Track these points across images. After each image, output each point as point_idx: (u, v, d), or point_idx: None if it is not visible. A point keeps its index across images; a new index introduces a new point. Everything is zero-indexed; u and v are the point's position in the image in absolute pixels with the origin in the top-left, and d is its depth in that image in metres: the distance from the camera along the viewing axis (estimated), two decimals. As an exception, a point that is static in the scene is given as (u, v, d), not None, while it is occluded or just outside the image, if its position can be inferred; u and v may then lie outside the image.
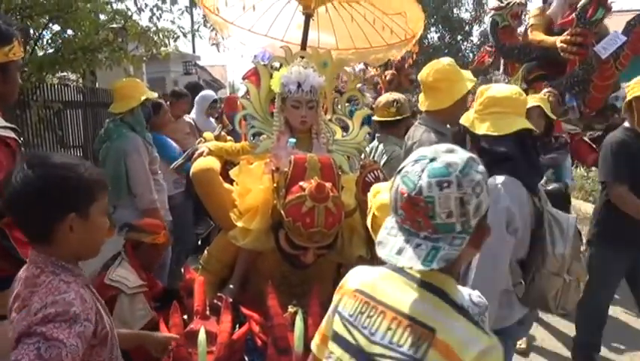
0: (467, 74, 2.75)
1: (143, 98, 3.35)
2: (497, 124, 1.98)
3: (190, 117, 4.81)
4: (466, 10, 19.79)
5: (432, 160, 1.06)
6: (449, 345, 1.00)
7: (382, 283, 1.16)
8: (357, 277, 1.22)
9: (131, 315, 2.36)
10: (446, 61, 2.71)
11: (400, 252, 1.05)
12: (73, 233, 1.24)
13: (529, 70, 5.53)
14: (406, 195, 1.05)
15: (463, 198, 1.02)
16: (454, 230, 1.04)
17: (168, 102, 4.49)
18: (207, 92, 5.30)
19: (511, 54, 5.90)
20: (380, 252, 1.10)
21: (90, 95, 6.07)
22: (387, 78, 6.28)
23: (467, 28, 19.29)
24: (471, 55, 20.34)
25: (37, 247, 1.26)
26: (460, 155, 1.07)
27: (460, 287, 1.50)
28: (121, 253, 2.66)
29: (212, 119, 5.15)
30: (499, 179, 1.96)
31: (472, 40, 20.92)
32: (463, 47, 20.65)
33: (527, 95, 2.45)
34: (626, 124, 2.96)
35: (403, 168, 1.11)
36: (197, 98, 4.98)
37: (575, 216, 2.08)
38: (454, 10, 19.61)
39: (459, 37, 18.75)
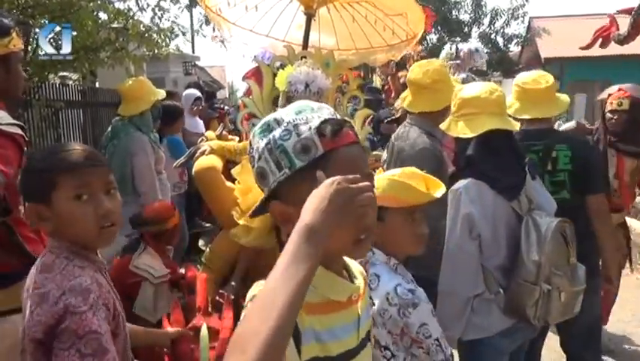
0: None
1: (153, 100, 3.40)
2: (467, 126, 1.96)
3: None
4: (465, 11, 19.78)
5: None
6: None
7: None
8: None
9: (154, 306, 2.35)
10: (438, 62, 2.72)
11: None
12: (46, 221, 1.20)
13: None
14: None
15: (251, 159, 0.94)
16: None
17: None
18: (189, 91, 5.35)
19: None
20: None
21: (91, 94, 6.07)
22: (402, 81, 6.19)
23: (466, 29, 19.30)
24: (470, 56, 20.34)
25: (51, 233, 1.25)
26: (278, 115, 0.92)
27: (391, 275, 1.51)
28: (140, 241, 2.58)
29: (198, 119, 5.19)
30: (462, 183, 1.95)
31: (470, 42, 20.98)
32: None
33: None
34: None
35: None
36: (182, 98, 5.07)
37: (557, 220, 1.89)
38: (453, 12, 19.63)
39: (458, 39, 18.79)
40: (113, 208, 1.24)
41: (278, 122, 0.89)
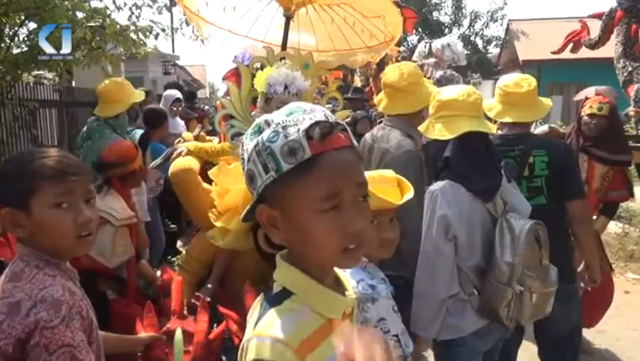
0: None
1: (130, 102, 3.34)
2: (445, 128, 1.97)
3: None
4: (446, 13, 20.02)
5: None
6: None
7: None
8: None
9: (112, 249, 2.22)
10: (412, 64, 2.71)
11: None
12: (20, 228, 1.17)
13: None
14: None
15: (242, 161, 0.90)
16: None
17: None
18: (169, 92, 5.31)
19: None
20: None
21: (66, 94, 5.97)
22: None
23: (446, 31, 19.52)
24: (450, 58, 20.56)
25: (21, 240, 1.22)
26: (269, 116, 0.88)
27: (357, 272, 1.48)
28: (103, 185, 2.43)
29: (179, 119, 5.13)
30: (439, 185, 1.96)
31: (443, 38, 21.17)
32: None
33: None
34: None
35: None
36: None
37: (530, 222, 1.91)
38: (434, 14, 19.83)
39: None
40: (92, 217, 1.22)
41: (268, 124, 0.86)
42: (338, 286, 0.93)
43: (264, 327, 0.83)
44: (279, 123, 0.85)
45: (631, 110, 3.82)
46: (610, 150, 2.95)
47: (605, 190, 3.13)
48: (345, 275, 1.00)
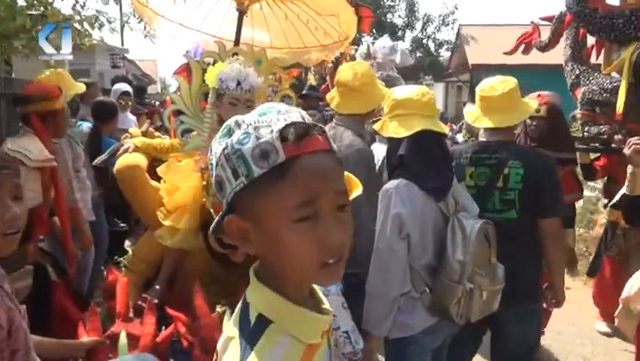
0: None
1: (71, 94, 3.19)
2: (400, 126, 1.99)
3: None
4: (399, 16, 20.36)
5: None
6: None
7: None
8: None
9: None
10: (366, 64, 2.74)
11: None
12: None
13: None
14: None
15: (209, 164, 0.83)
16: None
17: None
18: (117, 86, 5.12)
19: (609, 27, 3.49)
20: None
21: (4, 85, 5.64)
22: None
23: (400, 33, 19.86)
24: (403, 60, 20.93)
25: None
26: (240, 117, 0.81)
27: None
28: (21, 125, 2.24)
29: (129, 114, 4.94)
30: (393, 183, 1.99)
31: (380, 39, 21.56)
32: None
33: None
34: None
35: None
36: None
37: (481, 222, 1.94)
38: (388, 16, 20.13)
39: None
40: (19, 214, 1.15)
41: (238, 125, 0.78)
42: (312, 298, 0.86)
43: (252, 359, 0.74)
44: (250, 124, 0.77)
45: (578, 112, 3.97)
46: (554, 148, 3.01)
47: None
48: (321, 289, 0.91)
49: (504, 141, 2.30)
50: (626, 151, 2.43)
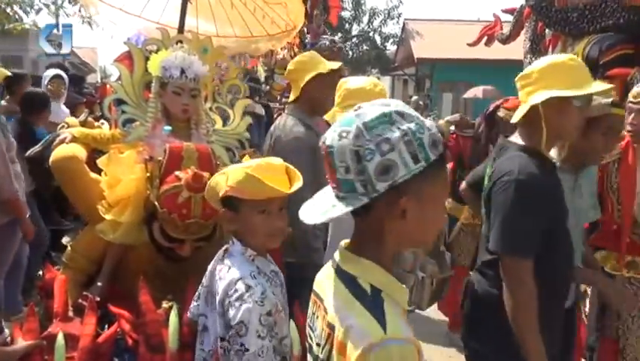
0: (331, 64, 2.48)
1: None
2: None
3: None
4: (345, 9, 20.49)
5: (356, 110, 0.94)
6: (344, 343, 0.89)
7: (324, 278, 1.05)
8: (317, 275, 1.10)
9: None
10: (309, 53, 2.72)
11: (322, 213, 0.95)
12: None
13: (606, 47, 3.28)
14: (323, 146, 0.95)
15: (358, 152, 0.88)
16: (356, 190, 0.90)
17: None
18: (47, 71, 4.85)
19: (564, 21, 3.55)
20: (300, 213, 0.99)
21: None
22: None
23: (347, 26, 20.01)
24: (350, 52, 21.13)
25: None
26: (379, 108, 0.91)
27: (242, 267, 1.45)
28: None
29: (63, 106, 4.62)
30: None
31: (351, 39, 21.81)
32: (343, 46, 21.37)
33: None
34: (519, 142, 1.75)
35: None
36: None
37: None
38: (335, 9, 20.23)
39: (339, 35, 19.42)
40: None
41: (402, 115, 0.90)
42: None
43: (394, 329, 0.86)
44: (417, 116, 0.91)
45: None
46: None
47: None
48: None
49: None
50: None
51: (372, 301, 0.90)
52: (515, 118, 1.73)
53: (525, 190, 1.58)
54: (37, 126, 3.77)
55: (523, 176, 1.59)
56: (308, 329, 1.08)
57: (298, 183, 1.51)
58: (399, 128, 0.88)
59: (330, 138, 0.93)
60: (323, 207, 0.95)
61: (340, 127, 0.92)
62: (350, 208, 0.90)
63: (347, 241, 1.02)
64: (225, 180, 1.49)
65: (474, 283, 1.76)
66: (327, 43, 4.27)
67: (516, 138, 1.76)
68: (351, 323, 0.88)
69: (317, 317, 1.03)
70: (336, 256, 1.02)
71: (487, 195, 1.71)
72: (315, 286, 1.08)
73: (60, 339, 1.56)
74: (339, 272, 0.98)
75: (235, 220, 1.51)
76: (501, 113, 3.21)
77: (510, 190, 1.59)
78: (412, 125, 0.88)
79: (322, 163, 0.98)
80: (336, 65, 2.43)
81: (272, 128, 2.59)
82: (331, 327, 0.93)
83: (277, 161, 1.56)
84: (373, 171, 0.88)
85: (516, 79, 1.73)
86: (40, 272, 2.31)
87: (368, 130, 0.89)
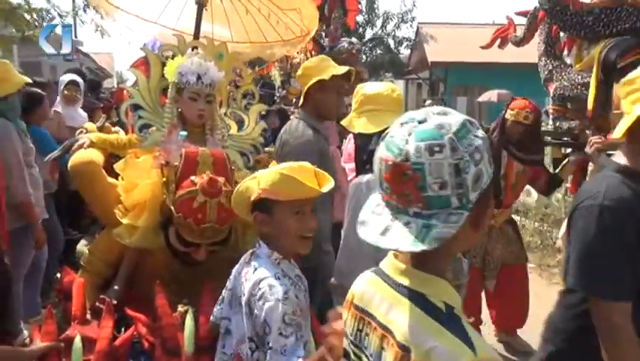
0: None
1: (20, 82, 3.02)
2: (370, 121, 2.00)
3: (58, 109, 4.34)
4: (361, 12, 20.51)
5: (421, 122, 0.88)
6: None
7: (369, 292, 1.01)
8: (354, 287, 1.07)
9: None
10: (317, 58, 2.72)
11: (384, 232, 0.89)
12: None
13: (623, 51, 3.18)
14: (390, 162, 0.87)
15: (458, 164, 0.84)
16: (450, 205, 0.85)
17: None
18: (63, 76, 4.80)
19: (579, 24, 3.49)
20: (362, 233, 0.94)
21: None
22: None
23: (360, 30, 20.01)
24: (364, 56, 21.13)
25: None
26: (455, 117, 0.89)
27: (268, 269, 1.46)
28: None
29: (80, 110, 4.61)
30: (365, 177, 1.99)
31: (365, 44, 21.82)
32: (362, 48, 21.36)
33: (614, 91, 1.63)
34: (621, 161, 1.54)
35: (387, 132, 0.92)
36: None
37: None
38: (349, 13, 20.25)
39: (353, 39, 19.50)
40: None
41: (472, 122, 0.90)
42: None
43: (481, 350, 0.84)
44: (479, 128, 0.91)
45: (550, 107, 4.06)
46: (528, 151, 3.11)
47: (524, 183, 3.36)
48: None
49: None
50: (588, 150, 2.47)
51: (451, 321, 0.87)
52: (617, 133, 1.45)
53: (610, 218, 1.37)
54: (35, 124, 3.60)
55: (609, 201, 1.37)
56: (352, 346, 1.03)
57: (330, 184, 1.53)
58: (476, 135, 0.88)
59: (412, 153, 0.85)
60: (402, 231, 0.87)
61: (424, 141, 0.85)
62: (457, 225, 0.85)
63: (394, 252, 0.98)
64: (257, 183, 1.51)
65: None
66: (346, 45, 4.30)
67: (618, 157, 1.51)
68: (434, 345, 0.84)
69: (366, 335, 0.98)
70: (388, 269, 0.99)
71: (568, 222, 1.54)
72: (357, 301, 1.03)
73: (77, 342, 1.58)
74: (400, 288, 0.94)
75: (268, 223, 1.52)
76: (507, 115, 3.18)
77: (592, 217, 1.39)
78: (480, 134, 0.89)
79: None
80: (341, 70, 2.42)
81: (281, 131, 2.61)
82: (405, 348, 0.88)
83: (306, 164, 1.58)
84: (470, 182, 0.86)
85: (619, 85, 1.50)
86: (58, 275, 2.33)
87: (459, 141, 0.85)
